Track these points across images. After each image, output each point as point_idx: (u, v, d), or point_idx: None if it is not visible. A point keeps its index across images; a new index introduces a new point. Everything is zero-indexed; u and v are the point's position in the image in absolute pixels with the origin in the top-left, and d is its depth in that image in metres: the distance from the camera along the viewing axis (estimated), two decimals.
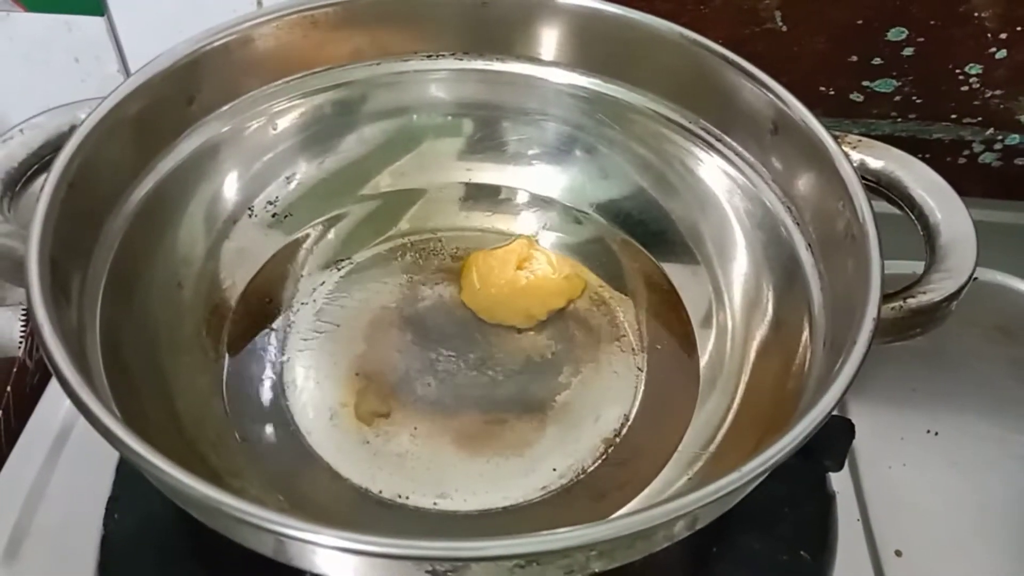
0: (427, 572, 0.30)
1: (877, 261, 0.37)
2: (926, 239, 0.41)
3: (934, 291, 0.38)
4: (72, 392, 0.32)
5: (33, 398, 0.52)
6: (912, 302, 0.38)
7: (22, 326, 0.55)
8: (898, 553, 0.47)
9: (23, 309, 0.55)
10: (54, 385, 0.52)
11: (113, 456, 0.48)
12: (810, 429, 0.32)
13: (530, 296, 0.49)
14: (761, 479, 0.33)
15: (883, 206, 0.42)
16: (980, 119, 0.63)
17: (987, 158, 0.65)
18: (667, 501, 0.30)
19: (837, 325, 0.39)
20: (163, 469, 0.30)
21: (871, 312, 0.35)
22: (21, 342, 0.54)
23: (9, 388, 0.52)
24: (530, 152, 0.53)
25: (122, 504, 0.46)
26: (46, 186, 0.38)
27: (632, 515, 0.29)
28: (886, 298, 0.37)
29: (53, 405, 0.51)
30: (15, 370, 0.53)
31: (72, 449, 0.50)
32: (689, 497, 0.30)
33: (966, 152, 0.65)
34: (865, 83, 0.61)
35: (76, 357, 0.33)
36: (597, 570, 0.32)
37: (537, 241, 0.53)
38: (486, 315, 0.49)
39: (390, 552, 0.29)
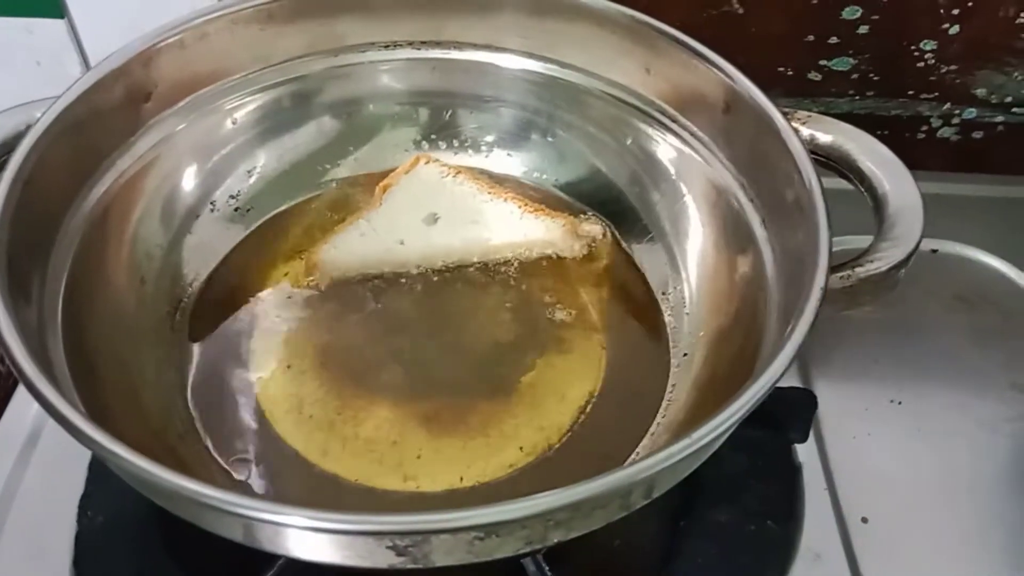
0: (388, 548, 0.30)
1: (825, 232, 0.38)
2: (875, 209, 0.41)
3: (882, 259, 0.39)
4: (32, 386, 0.32)
5: (4, 402, 0.52)
6: (860, 271, 0.38)
7: None
8: (864, 520, 0.48)
9: None
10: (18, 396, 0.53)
11: (85, 455, 0.48)
12: (757, 397, 0.33)
13: None
14: (715, 446, 0.33)
15: (836, 183, 0.43)
16: (936, 94, 0.64)
17: (945, 132, 0.66)
18: (621, 468, 0.30)
19: (789, 296, 0.40)
20: (126, 458, 0.31)
21: (819, 282, 0.36)
22: None
23: None
24: (487, 138, 0.54)
25: (95, 501, 0.46)
26: (1, 185, 0.38)
27: (586, 483, 0.30)
28: (835, 268, 0.38)
29: (23, 406, 0.52)
30: None
31: (44, 449, 0.50)
32: (643, 463, 0.31)
33: (924, 127, 0.66)
34: (822, 62, 0.62)
35: (37, 354, 0.34)
36: (557, 540, 0.32)
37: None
38: None
39: (351, 528, 0.29)
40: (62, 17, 0.61)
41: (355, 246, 0.50)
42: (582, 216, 0.52)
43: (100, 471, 0.47)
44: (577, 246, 0.51)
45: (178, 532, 0.45)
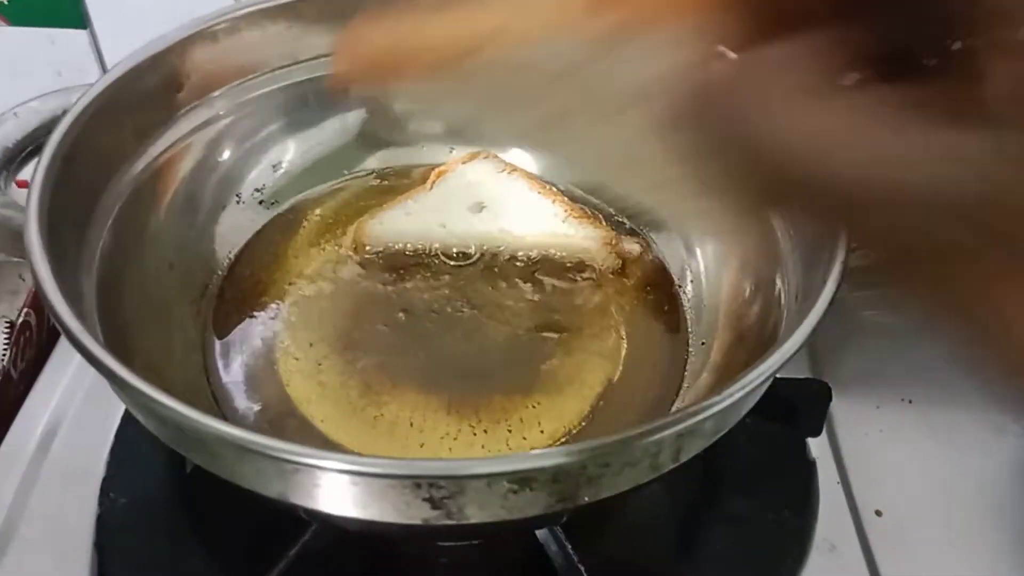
0: (424, 500, 0.31)
1: None
2: None
3: None
4: (73, 336, 0.33)
5: (17, 409, 0.53)
6: None
7: (5, 338, 0.55)
8: (878, 513, 0.49)
9: (6, 322, 0.56)
10: (39, 386, 0.54)
11: (107, 438, 0.49)
12: (790, 354, 0.33)
13: None
14: (748, 404, 0.34)
15: None
16: None
17: None
18: (655, 421, 0.31)
19: (808, 278, 0.40)
20: (173, 408, 0.31)
21: (839, 256, 0.37)
22: (4, 353, 0.55)
23: None
24: (507, 135, 0.55)
25: (117, 483, 0.47)
26: (43, 157, 0.39)
27: (621, 433, 0.30)
28: (853, 249, 0.39)
29: (45, 393, 0.53)
30: None
31: (65, 434, 0.51)
32: (676, 416, 0.31)
33: None
34: None
35: (77, 311, 0.34)
36: (586, 500, 0.33)
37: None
38: None
39: (391, 472, 0.30)
40: (85, 28, 0.62)
41: (399, 223, 0.52)
42: (623, 231, 0.53)
43: (122, 454, 0.48)
44: (612, 260, 0.51)
45: (201, 513, 0.46)
